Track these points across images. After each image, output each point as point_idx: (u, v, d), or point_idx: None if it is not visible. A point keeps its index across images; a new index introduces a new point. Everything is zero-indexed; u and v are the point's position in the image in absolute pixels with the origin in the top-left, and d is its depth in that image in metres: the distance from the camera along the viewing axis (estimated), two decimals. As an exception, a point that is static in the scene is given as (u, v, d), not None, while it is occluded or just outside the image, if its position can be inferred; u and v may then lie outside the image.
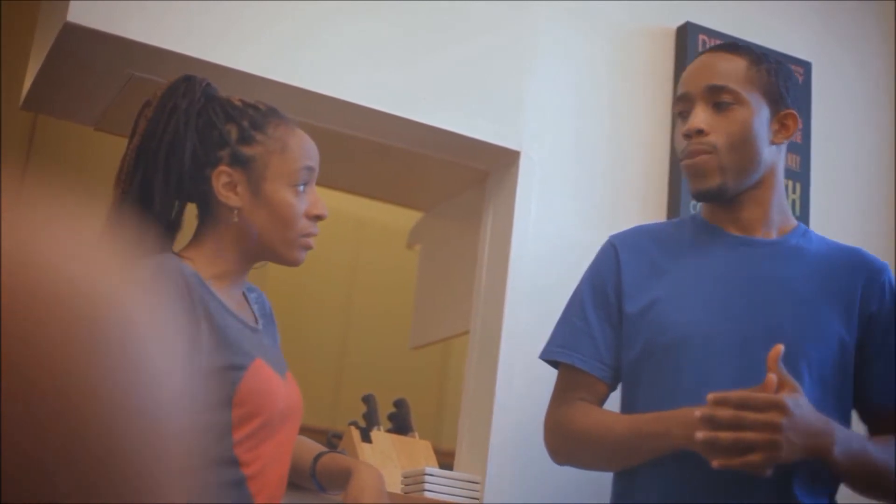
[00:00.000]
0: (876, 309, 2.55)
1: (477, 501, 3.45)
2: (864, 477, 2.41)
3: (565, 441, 2.64)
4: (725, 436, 2.21)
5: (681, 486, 2.43)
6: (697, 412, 2.24)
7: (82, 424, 0.49)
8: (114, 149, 3.55)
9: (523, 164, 3.77)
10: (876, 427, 2.57)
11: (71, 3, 3.15)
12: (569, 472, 3.62)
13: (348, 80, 3.52)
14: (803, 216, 4.10)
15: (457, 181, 4.21)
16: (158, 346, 0.54)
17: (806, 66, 4.27)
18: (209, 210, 2.30)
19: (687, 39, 4.11)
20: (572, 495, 3.55)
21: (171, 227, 2.30)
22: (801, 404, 2.27)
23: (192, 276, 2.18)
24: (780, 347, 2.27)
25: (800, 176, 4.18)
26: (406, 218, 5.10)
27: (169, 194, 2.25)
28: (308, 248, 2.33)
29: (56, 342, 0.49)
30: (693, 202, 3.96)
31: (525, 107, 3.81)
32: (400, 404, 3.89)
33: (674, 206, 3.96)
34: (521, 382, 3.61)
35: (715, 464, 2.22)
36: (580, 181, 3.89)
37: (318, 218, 2.32)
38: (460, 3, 3.76)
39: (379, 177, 4.46)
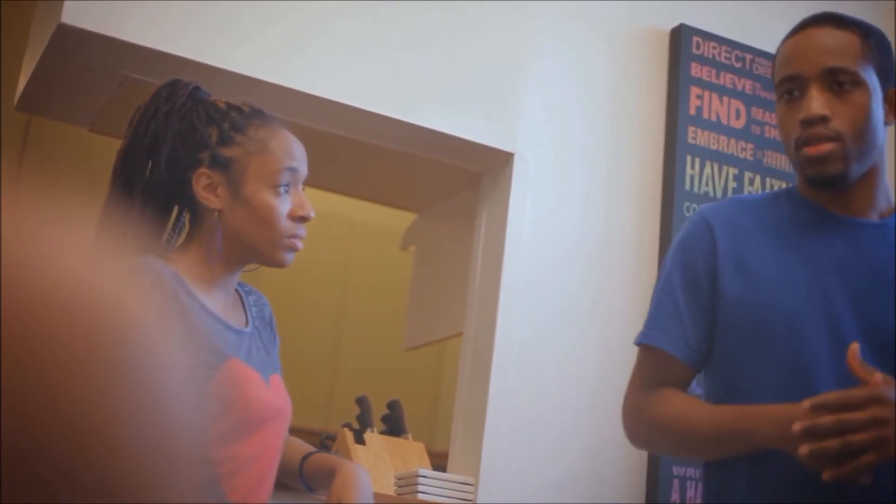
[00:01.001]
0: None
1: (470, 503, 3.45)
2: None
3: (646, 428, 2.43)
4: (832, 444, 2.03)
5: (781, 486, 2.26)
6: (797, 425, 2.05)
7: (64, 424, 0.49)
8: (108, 150, 3.55)
9: (517, 165, 3.77)
10: None
11: (65, 4, 3.15)
12: (562, 473, 3.62)
13: (342, 81, 3.52)
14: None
15: (451, 183, 4.21)
16: (141, 346, 0.54)
17: (799, 69, 4.29)
18: (195, 213, 2.30)
19: (681, 41, 4.12)
20: (565, 497, 3.56)
21: (157, 232, 2.30)
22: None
23: (170, 275, 2.18)
24: (856, 346, 2.09)
25: (793, 177, 4.18)
26: (400, 219, 5.11)
27: (150, 197, 2.25)
28: (293, 249, 2.32)
29: (35, 342, 0.49)
30: (687, 204, 3.96)
31: (519, 108, 3.81)
32: (393, 406, 3.89)
33: (667, 207, 3.96)
34: (515, 385, 3.61)
35: (826, 476, 2.04)
36: (574, 183, 3.89)
37: (303, 219, 2.32)
38: (454, 5, 3.76)
39: (373, 178, 4.46)
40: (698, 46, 4.15)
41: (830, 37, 2.36)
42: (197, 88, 2.35)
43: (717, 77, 4.16)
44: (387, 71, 3.61)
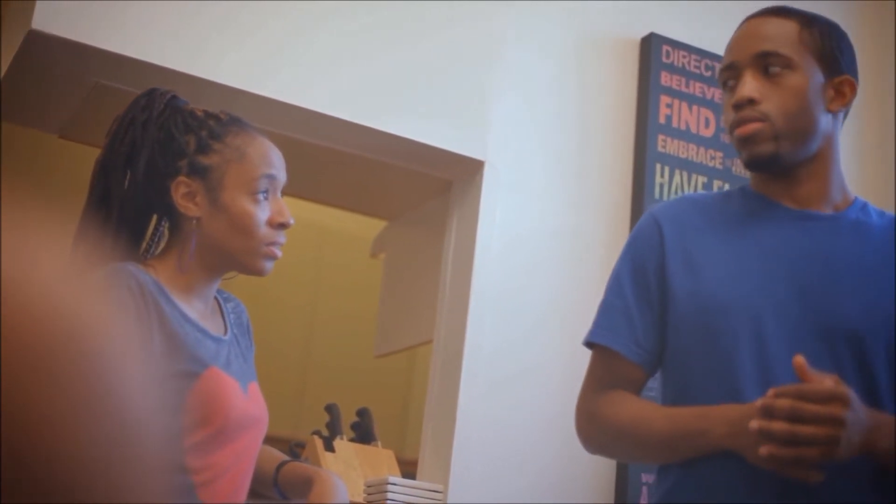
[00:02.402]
0: None
1: (440, 510, 3.46)
2: None
3: (599, 433, 2.43)
4: (779, 426, 2.01)
5: (729, 486, 2.22)
6: (753, 422, 2.04)
7: (32, 431, 0.49)
8: (78, 157, 3.54)
9: (487, 173, 3.78)
10: None
11: (35, 10, 3.14)
12: (531, 480, 3.63)
13: (313, 90, 3.52)
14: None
15: (421, 190, 4.22)
16: (108, 353, 0.54)
17: (768, 78, 4.32)
18: (174, 221, 2.30)
19: (651, 50, 4.14)
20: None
21: (137, 241, 2.30)
22: (855, 397, 2.07)
23: (149, 283, 2.18)
24: (801, 358, 2.06)
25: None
26: (370, 227, 5.11)
27: (128, 206, 2.25)
28: (273, 257, 2.32)
29: (5, 349, 0.49)
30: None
31: (489, 116, 3.82)
32: (363, 414, 3.89)
33: (637, 215, 3.98)
34: (485, 392, 3.62)
35: (762, 451, 2.02)
36: (544, 190, 3.90)
37: (282, 226, 2.32)
38: (424, 14, 3.77)
39: (343, 186, 4.47)
40: (668, 55, 4.17)
41: (766, 24, 2.43)
42: (174, 97, 2.35)
43: (687, 86, 4.18)
44: (357, 79, 3.61)
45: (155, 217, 2.33)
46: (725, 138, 2.49)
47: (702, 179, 4.11)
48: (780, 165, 2.34)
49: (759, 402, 2.05)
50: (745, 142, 2.32)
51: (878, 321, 2.27)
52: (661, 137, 4.07)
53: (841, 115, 2.40)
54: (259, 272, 2.32)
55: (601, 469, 3.72)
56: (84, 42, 3.20)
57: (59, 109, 3.69)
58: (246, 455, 2.28)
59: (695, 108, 4.17)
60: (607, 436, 2.41)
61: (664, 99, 4.12)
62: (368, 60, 3.64)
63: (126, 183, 2.26)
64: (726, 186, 4.13)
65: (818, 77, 2.34)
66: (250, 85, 3.42)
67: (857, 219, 2.39)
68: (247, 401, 2.28)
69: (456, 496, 3.49)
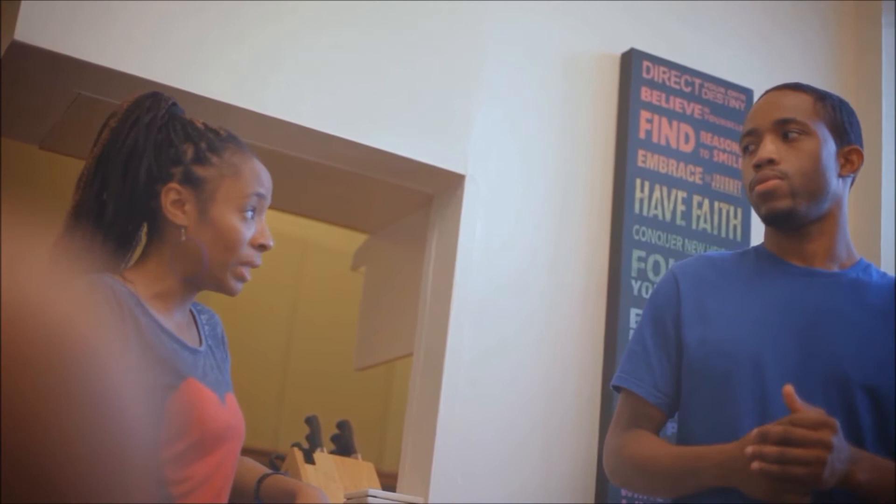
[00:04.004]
0: None
1: (419, 523, 3.46)
2: (889, 498, 2.36)
3: (620, 466, 2.63)
4: (771, 449, 2.20)
5: None
6: (749, 448, 2.23)
7: (12, 441, 0.49)
8: (58, 168, 3.53)
9: (468, 187, 3.79)
10: None
11: (18, 21, 3.14)
12: (511, 492, 3.63)
13: (294, 103, 3.53)
14: (744, 241, 4.16)
15: (402, 204, 4.22)
16: (88, 364, 0.54)
17: (748, 94, 4.34)
18: (156, 227, 2.29)
19: (631, 65, 4.16)
20: (514, 517, 3.57)
21: (124, 243, 2.29)
22: (840, 429, 2.26)
23: (125, 294, 2.17)
24: (790, 388, 2.26)
25: (741, 201, 4.23)
26: (351, 240, 5.11)
27: (123, 205, 2.24)
28: (242, 279, 2.32)
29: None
30: (636, 227, 3.99)
31: (470, 130, 3.83)
32: (343, 426, 3.89)
33: (617, 230, 3.99)
34: (464, 405, 3.62)
35: (754, 466, 2.20)
36: (525, 205, 3.91)
37: (262, 248, 2.32)
38: (406, 29, 3.78)
39: (324, 199, 4.47)
40: (648, 71, 4.18)
41: (784, 96, 2.64)
42: (175, 104, 2.36)
43: (667, 101, 4.19)
44: (339, 93, 3.62)
45: (133, 220, 2.31)
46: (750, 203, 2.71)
47: (681, 194, 4.12)
48: (795, 221, 2.56)
49: (754, 431, 2.24)
50: (765, 197, 2.54)
51: (865, 369, 2.46)
52: (641, 152, 4.08)
53: (849, 180, 2.63)
54: (229, 290, 2.32)
55: (581, 479, 3.73)
56: (66, 54, 3.20)
57: (41, 120, 3.68)
58: (225, 466, 2.28)
59: (675, 123, 4.18)
60: (627, 471, 2.61)
61: (644, 114, 4.13)
62: (350, 75, 3.65)
63: (123, 181, 2.24)
64: (706, 202, 4.16)
65: (831, 144, 2.57)
66: (233, 98, 3.42)
67: (857, 277, 2.59)
68: (225, 411, 2.28)
69: (435, 509, 3.49)
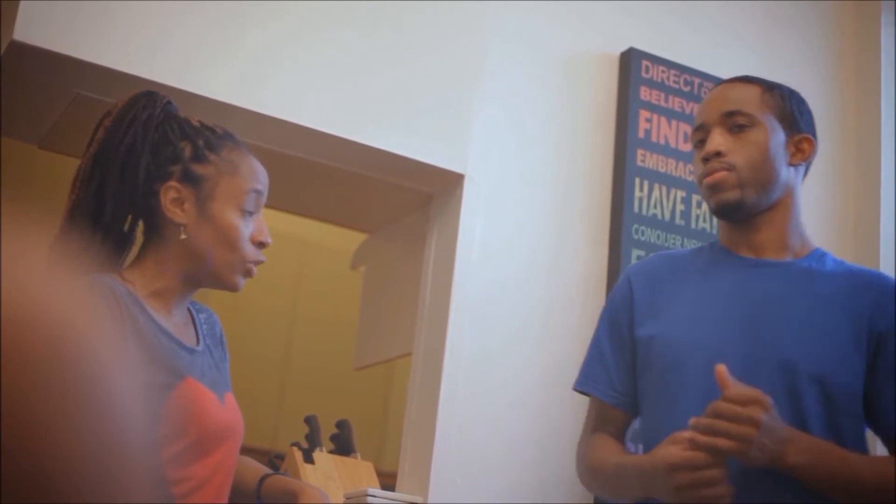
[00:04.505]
0: (885, 328, 2.52)
1: (418, 523, 3.46)
2: (828, 482, 2.37)
3: (583, 471, 2.70)
4: (704, 421, 2.25)
5: None
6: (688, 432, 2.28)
7: (12, 441, 0.49)
8: (57, 167, 3.53)
9: (468, 186, 3.79)
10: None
11: (17, 21, 3.13)
12: (510, 492, 3.64)
13: (295, 103, 3.53)
14: (743, 241, 4.16)
15: (401, 203, 4.22)
16: (88, 364, 0.54)
17: (747, 94, 4.33)
18: (154, 226, 2.29)
19: (630, 65, 4.16)
20: (513, 517, 3.57)
21: (121, 242, 2.29)
22: (774, 407, 2.28)
23: (124, 294, 2.17)
24: (722, 367, 2.29)
25: (740, 201, 4.23)
26: (350, 240, 5.11)
27: (121, 204, 2.24)
28: (249, 274, 2.32)
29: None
30: (636, 227, 3.99)
31: (470, 130, 3.83)
32: (342, 425, 3.89)
33: (616, 229, 3.99)
34: (464, 404, 3.62)
35: (686, 435, 2.26)
36: (524, 204, 3.91)
37: (262, 245, 2.32)
38: (405, 27, 3.78)
39: (324, 199, 4.46)
40: (647, 70, 4.18)
41: (731, 89, 2.68)
42: (169, 102, 2.36)
43: (666, 100, 4.19)
44: (339, 92, 3.61)
45: (130, 219, 2.31)
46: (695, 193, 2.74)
47: (680, 194, 4.12)
48: (745, 212, 2.59)
49: (673, 434, 2.31)
50: (713, 189, 2.57)
51: (810, 355, 2.48)
52: (640, 152, 4.08)
53: (801, 169, 2.67)
54: (234, 287, 2.32)
55: (579, 480, 3.73)
56: (66, 53, 3.20)
57: (40, 119, 3.68)
58: (225, 465, 2.28)
59: (674, 122, 4.18)
60: (587, 476, 2.69)
61: (643, 113, 4.13)
62: (350, 74, 3.65)
63: (121, 180, 2.24)
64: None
65: (779, 134, 2.60)
66: (233, 98, 3.42)
67: (809, 266, 2.61)
68: (223, 411, 2.27)
69: (435, 508, 3.49)
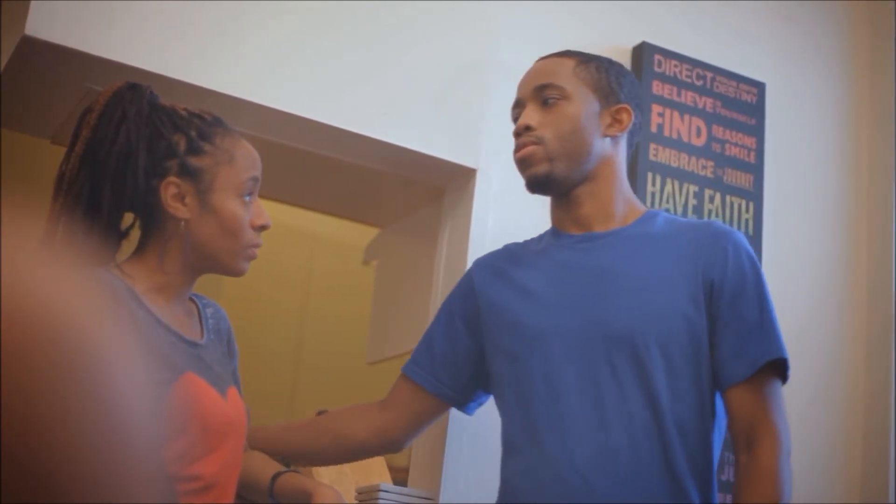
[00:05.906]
0: (718, 276, 2.48)
1: (431, 517, 3.45)
2: None
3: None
4: None
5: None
6: None
7: (16, 438, 0.49)
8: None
9: (480, 181, 3.78)
10: (735, 407, 2.45)
11: (29, 16, 3.13)
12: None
13: (307, 97, 3.52)
14: (756, 235, 4.14)
15: (413, 198, 4.22)
16: (91, 359, 0.54)
17: (760, 87, 4.32)
18: (154, 221, 2.27)
19: (643, 59, 4.15)
20: (526, 512, 3.55)
21: (115, 239, 2.28)
22: None
23: (122, 289, 2.16)
24: None
25: (752, 195, 4.22)
26: (362, 234, 5.11)
27: (118, 205, 2.22)
28: (253, 258, 2.33)
29: None
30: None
31: (482, 124, 3.82)
32: (355, 420, 3.88)
33: (628, 224, 3.98)
34: (476, 399, 3.61)
35: None
36: (536, 199, 3.90)
37: (262, 228, 2.32)
38: (416, 21, 3.77)
39: (336, 193, 4.46)
40: (660, 64, 4.17)
41: (545, 64, 2.74)
42: (152, 93, 2.33)
43: (679, 95, 4.18)
44: (350, 87, 3.61)
45: (128, 216, 2.30)
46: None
47: (693, 188, 4.11)
48: (557, 185, 2.63)
49: None
50: (523, 164, 2.65)
51: (648, 322, 2.46)
52: (652, 146, 4.07)
53: (622, 138, 2.67)
54: (239, 273, 2.33)
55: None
56: (77, 48, 3.20)
57: (52, 114, 3.69)
58: (232, 461, 2.27)
59: (686, 117, 4.17)
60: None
61: (656, 108, 4.12)
62: (362, 70, 3.64)
63: (116, 181, 2.22)
64: (717, 196, 4.14)
65: (593, 106, 2.63)
66: (244, 93, 3.42)
67: (637, 231, 2.61)
68: (225, 406, 2.26)
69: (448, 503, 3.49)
